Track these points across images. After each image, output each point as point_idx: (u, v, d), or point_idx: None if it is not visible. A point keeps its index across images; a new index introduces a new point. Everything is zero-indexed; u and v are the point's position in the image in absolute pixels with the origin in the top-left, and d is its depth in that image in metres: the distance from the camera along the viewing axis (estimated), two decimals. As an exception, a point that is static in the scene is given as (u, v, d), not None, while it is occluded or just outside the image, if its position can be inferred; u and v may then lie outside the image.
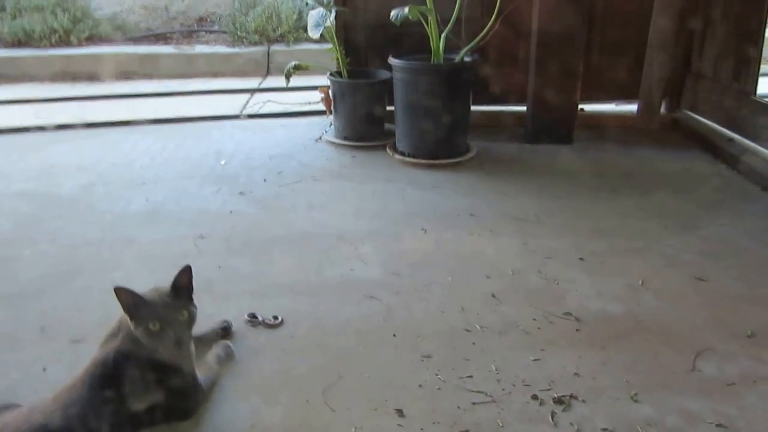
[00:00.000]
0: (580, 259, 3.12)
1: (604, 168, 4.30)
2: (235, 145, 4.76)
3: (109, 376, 1.94)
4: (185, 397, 2.09)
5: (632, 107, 5.16)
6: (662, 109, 5.10)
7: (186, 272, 2.07)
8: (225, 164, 4.39)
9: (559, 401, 2.18)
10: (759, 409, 2.14)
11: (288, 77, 4.74)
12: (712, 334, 2.54)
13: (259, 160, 4.46)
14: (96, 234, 3.39)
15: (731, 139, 4.46)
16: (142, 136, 4.99)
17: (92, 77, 7.22)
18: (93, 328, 2.46)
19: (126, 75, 7.29)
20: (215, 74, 7.36)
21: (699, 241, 3.28)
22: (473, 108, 4.55)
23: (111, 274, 2.98)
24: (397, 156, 4.46)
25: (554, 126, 4.74)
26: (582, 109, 5.04)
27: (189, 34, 8.13)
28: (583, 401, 2.18)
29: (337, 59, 4.79)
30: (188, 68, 7.38)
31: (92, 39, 7.81)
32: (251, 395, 2.22)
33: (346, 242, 3.28)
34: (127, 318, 1.99)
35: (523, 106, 4.92)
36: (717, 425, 2.07)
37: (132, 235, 3.37)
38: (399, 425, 2.08)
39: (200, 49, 7.67)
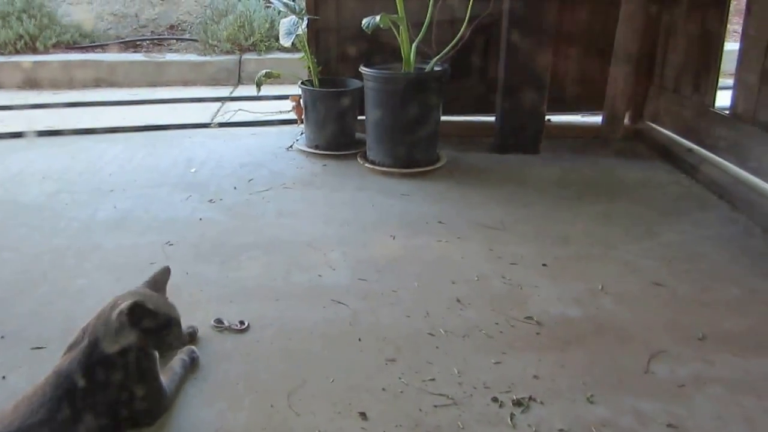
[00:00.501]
0: (544, 264, 3.19)
1: (569, 177, 4.39)
2: (206, 154, 4.79)
3: (72, 386, 1.95)
4: (149, 402, 2.11)
5: (597, 119, 5.26)
6: (626, 121, 5.20)
7: (166, 272, 2.15)
8: (195, 172, 4.42)
9: (518, 403, 2.24)
10: (707, 409, 2.22)
11: (259, 86, 4.78)
12: (666, 337, 2.62)
13: (229, 168, 4.50)
14: (61, 241, 3.41)
15: (690, 150, 4.56)
16: (111, 144, 5.00)
17: (59, 85, 7.19)
18: (55, 336, 2.50)
19: (94, 82, 7.27)
20: (186, 83, 7.37)
21: (658, 248, 3.37)
22: (443, 118, 4.61)
23: (75, 281, 3.01)
24: (367, 165, 4.51)
25: (522, 136, 4.82)
26: (549, 120, 5.12)
27: (159, 42, 8.14)
28: (542, 403, 2.24)
29: (309, 68, 4.84)
30: (158, 76, 7.37)
31: (59, 46, 7.76)
32: (216, 400, 2.25)
33: (315, 249, 3.33)
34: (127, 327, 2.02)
35: (492, 116, 4.99)
36: (668, 425, 2.14)
37: (98, 242, 3.39)
38: (362, 428, 2.13)
39: (171, 57, 7.66)
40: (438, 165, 4.51)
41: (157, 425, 2.13)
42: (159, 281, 2.23)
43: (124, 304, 2.00)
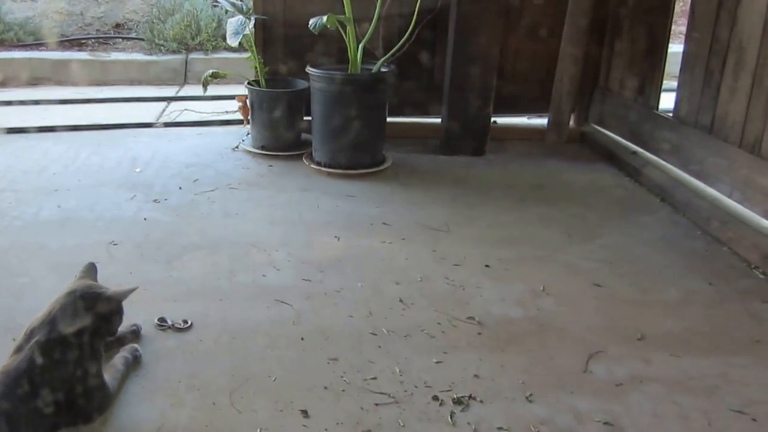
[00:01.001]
0: (487, 266, 3.24)
1: (514, 179, 4.46)
2: (151, 153, 4.77)
3: (31, 364, 1.99)
4: (91, 398, 2.12)
5: (543, 121, 5.34)
6: (571, 123, 5.29)
7: (92, 269, 2.27)
8: (140, 172, 4.40)
9: (458, 402, 2.28)
10: (644, 407, 2.29)
11: (205, 85, 4.78)
12: (605, 337, 2.69)
13: (175, 168, 4.49)
14: (3, 241, 3.38)
15: (635, 153, 4.67)
16: (55, 143, 4.96)
17: (1, 83, 7.10)
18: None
19: (37, 81, 7.17)
20: (131, 82, 7.31)
21: (599, 250, 3.45)
22: (389, 119, 4.66)
23: (17, 280, 2.99)
24: (313, 166, 4.53)
25: (468, 138, 4.87)
26: (495, 122, 5.19)
27: (105, 41, 8.06)
28: (481, 402, 2.29)
29: (256, 68, 4.84)
30: (103, 75, 7.30)
31: (2, 43, 7.66)
32: (158, 397, 2.26)
33: (259, 249, 3.35)
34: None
35: (438, 118, 5.05)
36: (604, 423, 2.20)
37: (42, 241, 3.37)
38: (304, 425, 2.16)
39: (116, 56, 7.60)
40: (384, 166, 4.55)
41: (97, 422, 2.13)
42: (88, 277, 2.28)
43: (81, 289, 2.13)
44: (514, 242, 3.51)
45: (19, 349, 2.04)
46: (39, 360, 1.99)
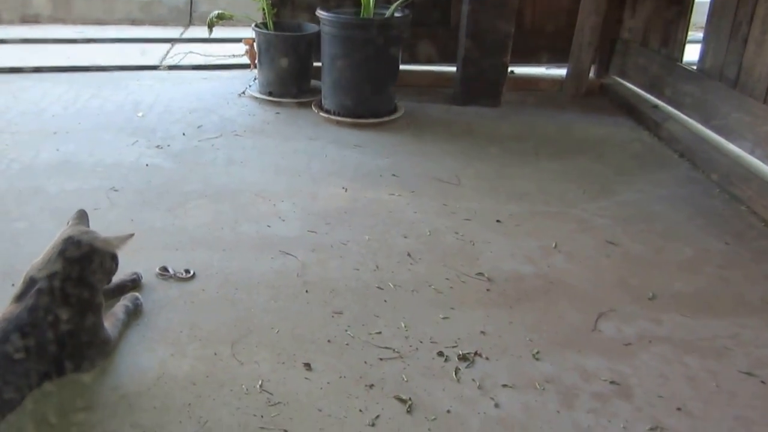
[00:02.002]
0: (498, 221, 3.28)
1: (529, 132, 4.48)
2: (154, 97, 4.80)
3: (22, 320, 2.02)
4: (91, 346, 2.18)
5: (562, 71, 5.34)
6: (591, 74, 5.29)
7: (83, 215, 2.34)
8: (142, 116, 4.43)
9: (463, 358, 2.34)
10: (651, 367, 2.34)
11: (211, 27, 4.78)
12: (616, 295, 2.74)
13: (178, 113, 4.52)
14: (1, 184, 3.43)
15: (656, 106, 4.68)
16: (54, 84, 4.99)
17: (1, 20, 7.10)
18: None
19: (35, 18, 7.19)
20: (134, 22, 7.32)
21: (614, 206, 3.48)
22: (402, 67, 4.67)
23: (14, 224, 3.04)
24: (322, 114, 4.55)
25: (483, 88, 4.88)
26: (512, 72, 5.19)
27: (107, -22, 8.04)
28: (487, 359, 2.35)
29: (264, 9, 4.82)
30: (105, 14, 7.30)
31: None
32: (158, 347, 2.32)
33: (264, 199, 3.39)
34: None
35: (453, 66, 5.05)
36: (611, 383, 2.26)
37: (40, 185, 3.42)
38: (306, 378, 2.21)
39: (119, -7, 7.60)
40: (395, 116, 4.57)
41: (98, 371, 2.19)
42: (81, 225, 2.33)
43: (77, 235, 2.19)
44: (526, 197, 3.55)
45: (20, 297, 2.09)
46: (41, 308, 2.04)
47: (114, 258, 2.28)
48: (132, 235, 2.28)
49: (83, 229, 2.27)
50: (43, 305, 2.05)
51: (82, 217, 2.35)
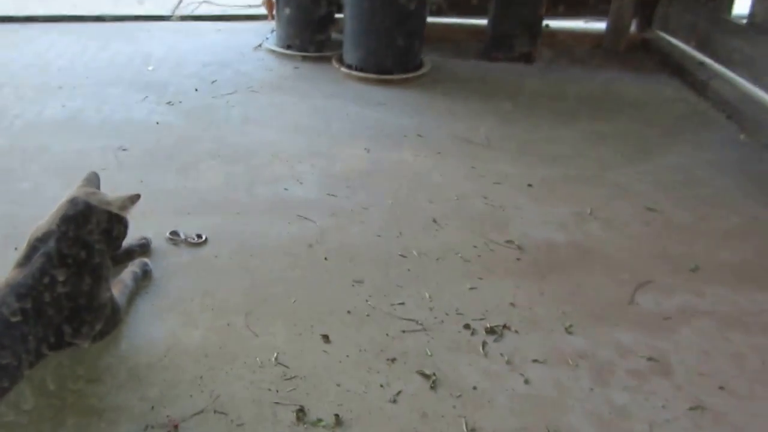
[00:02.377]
0: (529, 185, 3.26)
1: (565, 90, 4.44)
2: (165, 50, 4.79)
3: (21, 299, 2.01)
4: (99, 315, 2.17)
5: (601, 25, 5.28)
6: (632, 29, 5.23)
7: (94, 177, 2.33)
8: (153, 70, 4.43)
9: (491, 331, 2.33)
10: (692, 343, 2.32)
11: (226, -25, 4.77)
12: (655, 266, 2.71)
13: (191, 67, 4.51)
14: (4, 142, 3.44)
15: (702, 63, 4.61)
16: (60, 34, 4.99)
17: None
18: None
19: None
20: (145, -32, 7.29)
21: (655, 170, 3.45)
22: (429, 19, 4.63)
23: (18, 185, 3.05)
24: (343, 69, 4.53)
25: (516, 43, 4.83)
26: (547, 26, 5.14)
27: None
28: (516, 332, 2.34)
29: (282, -43, 4.81)
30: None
31: None
32: (168, 317, 2.32)
33: (281, 160, 3.38)
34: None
35: (484, 19, 5.00)
36: (648, 359, 2.24)
37: (45, 143, 3.42)
38: (324, 351, 2.21)
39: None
40: (421, 72, 4.54)
41: (106, 340, 2.19)
42: (91, 187, 2.32)
43: (84, 197, 2.18)
44: (560, 160, 3.52)
45: (23, 262, 2.09)
46: (46, 274, 2.04)
47: (121, 221, 2.26)
48: (138, 195, 2.26)
49: (89, 190, 2.26)
50: (43, 268, 2.05)
51: (91, 179, 2.34)
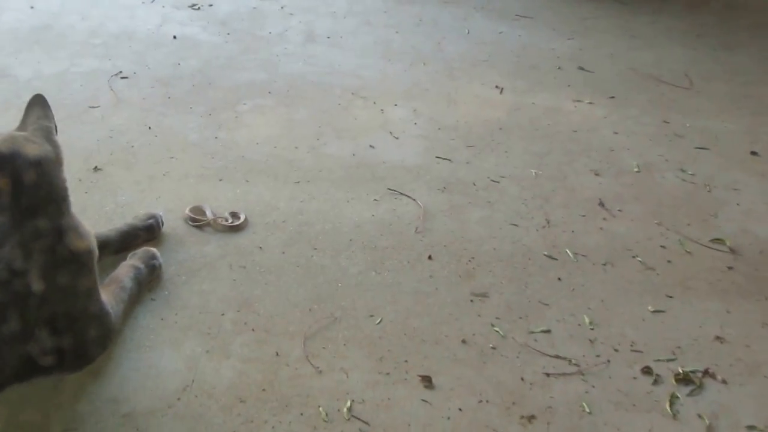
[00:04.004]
0: (753, 153, 3.25)
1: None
2: None
3: None
4: (84, 330, 2.14)
5: None
6: None
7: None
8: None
9: (685, 379, 2.32)
10: None
11: None
12: None
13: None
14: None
15: None
16: None
17: None
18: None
19: None
20: None
21: None
22: None
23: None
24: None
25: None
26: None
27: None
28: (724, 382, 2.32)
29: None
30: None
31: None
32: (185, 338, 2.33)
33: (366, 100, 3.42)
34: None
35: None
36: None
37: (5, 65, 3.49)
38: (424, 400, 2.20)
39: None
40: (585, -33, 4.54)
41: (89, 369, 2.18)
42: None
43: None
44: (801, 112, 3.49)
45: None
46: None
47: (38, 165, 2.08)
48: (53, 125, 2.20)
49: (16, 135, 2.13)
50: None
51: (33, 105, 2.26)
